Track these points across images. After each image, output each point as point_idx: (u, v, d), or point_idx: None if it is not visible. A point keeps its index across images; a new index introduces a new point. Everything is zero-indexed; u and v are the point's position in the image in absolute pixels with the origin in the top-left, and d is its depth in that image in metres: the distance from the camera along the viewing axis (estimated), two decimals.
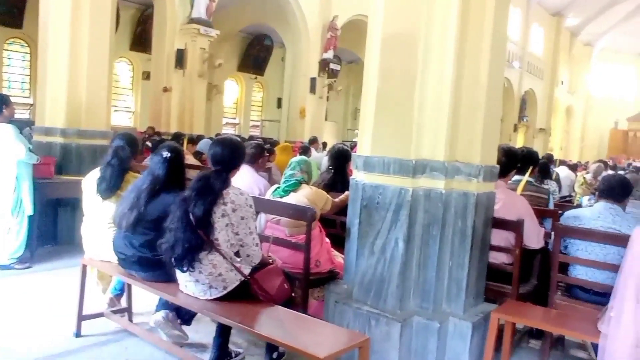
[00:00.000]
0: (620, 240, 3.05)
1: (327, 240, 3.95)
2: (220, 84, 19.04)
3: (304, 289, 3.55)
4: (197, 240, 2.68)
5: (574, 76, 33.76)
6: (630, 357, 2.48)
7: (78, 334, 3.36)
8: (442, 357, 3.13)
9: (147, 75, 16.19)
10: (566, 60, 32.46)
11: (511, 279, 3.55)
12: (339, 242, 3.96)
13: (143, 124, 15.20)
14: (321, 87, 17.41)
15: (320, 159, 8.63)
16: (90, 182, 3.48)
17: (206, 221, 2.67)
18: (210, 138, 11.48)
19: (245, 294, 2.81)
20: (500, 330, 3.13)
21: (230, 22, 16.37)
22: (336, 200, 4.00)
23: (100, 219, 3.39)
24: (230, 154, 2.87)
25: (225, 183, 2.77)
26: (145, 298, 3.59)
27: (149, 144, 8.15)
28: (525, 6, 27.29)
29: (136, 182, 3.20)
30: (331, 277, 3.74)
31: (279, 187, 3.85)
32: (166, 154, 3.09)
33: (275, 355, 3.14)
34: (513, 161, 3.95)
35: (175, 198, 2.86)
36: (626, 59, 35.99)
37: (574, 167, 12.29)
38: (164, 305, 3.24)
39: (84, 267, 3.36)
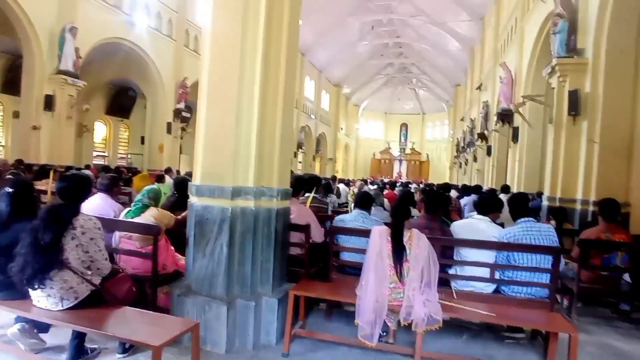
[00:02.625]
0: (367, 233, 3.30)
1: (172, 247, 3.66)
2: (90, 124, 16.70)
3: (153, 288, 3.24)
4: (46, 261, 2.24)
5: (348, 125, 36.97)
6: (373, 309, 2.72)
7: None
8: (259, 326, 3.10)
9: (17, 115, 13.40)
10: (344, 114, 35.46)
11: (304, 264, 3.68)
12: (184, 248, 3.69)
13: (13, 156, 12.56)
14: (176, 129, 16.37)
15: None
16: None
17: (55, 245, 2.25)
18: (79, 168, 9.98)
19: (98, 300, 2.44)
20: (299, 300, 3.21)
21: (97, 75, 14.46)
22: (179, 217, 3.74)
23: None
24: (76, 188, 2.44)
25: (74, 212, 2.36)
26: (4, 313, 2.90)
27: (10, 176, 6.67)
28: (318, 79, 29.28)
29: None
30: (176, 276, 3.47)
31: (130, 210, 3.46)
32: (9, 189, 2.53)
33: (127, 345, 2.78)
34: (301, 184, 4.14)
35: (25, 226, 2.35)
36: (377, 116, 40.77)
37: (348, 183, 13.35)
38: (21, 317, 2.66)
39: None
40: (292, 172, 3.70)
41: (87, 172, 7.26)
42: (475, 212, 3.79)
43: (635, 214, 6.31)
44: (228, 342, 2.93)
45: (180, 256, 3.66)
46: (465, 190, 8.54)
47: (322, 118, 30.39)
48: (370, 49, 29.25)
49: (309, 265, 3.68)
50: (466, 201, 7.40)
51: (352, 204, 8.00)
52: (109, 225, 3.37)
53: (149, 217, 3.36)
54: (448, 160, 33.28)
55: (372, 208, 3.96)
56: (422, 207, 3.78)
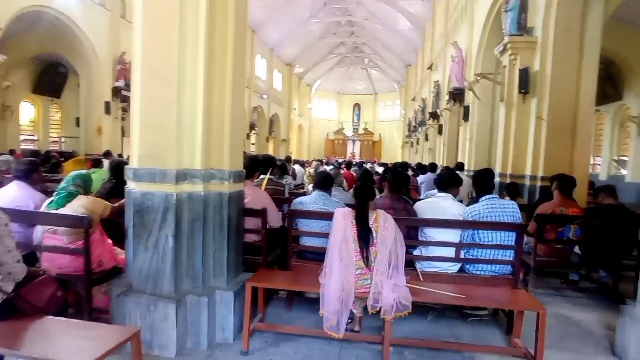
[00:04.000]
0: (329, 216, 3.09)
1: (110, 240, 3.24)
2: (14, 104, 14.93)
3: (87, 289, 2.82)
4: None
5: (301, 105, 36.47)
6: (338, 297, 2.52)
7: None
8: (214, 323, 2.82)
9: None
10: (296, 94, 34.85)
11: (261, 252, 3.43)
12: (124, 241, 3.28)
13: None
14: (115, 109, 15.10)
15: None
16: None
17: None
18: (1, 154, 8.89)
19: (11, 311, 2.02)
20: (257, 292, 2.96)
21: (19, 48, 12.90)
22: (115, 205, 3.29)
23: None
24: None
25: None
26: None
27: None
28: (269, 57, 28.37)
29: None
30: (115, 272, 3.06)
31: (53, 200, 2.97)
32: None
33: None
34: (256, 165, 3.82)
35: None
36: (330, 96, 40.59)
37: (303, 164, 13.11)
38: None
39: None
40: (244, 152, 3.38)
41: (8, 157, 6.42)
42: (436, 190, 3.69)
43: (577, 189, 6.62)
44: (179, 343, 2.63)
45: (120, 250, 3.25)
46: (420, 169, 8.60)
47: (275, 98, 29.65)
48: (322, 27, 28.74)
49: (266, 252, 3.43)
50: (423, 179, 7.41)
51: (309, 185, 7.82)
52: (28, 218, 2.90)
53: (77, 207, 2.89)
54: (400, 140, 33.95)
55: (332, 189, 3.73)
56: (386, 186, 3.62)
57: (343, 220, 2.62)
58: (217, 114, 2.81)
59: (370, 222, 2.62)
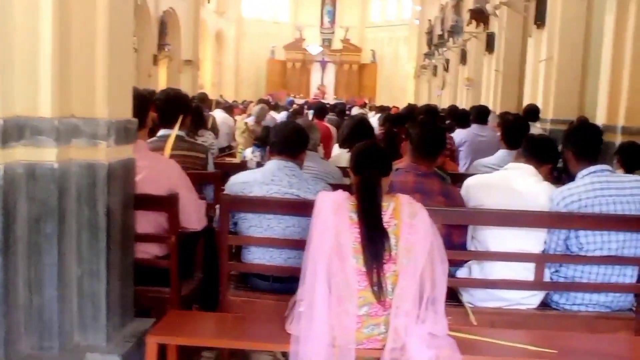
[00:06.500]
0: (301, 208, 3.22)
1: None
2: None
3: None
4: None
5: None
6: (325, 359, 2.61)
7: None
8: None
9: None
10: None
11: (169, 278, 3.50)
12: None
13: None
14: None
15: None
16: None
17: None
18: None
19: None
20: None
21: None
22: None
23: None
24: None
25: None
26: None
27: None
28: None
29: None
30: None
31: None
32: None
33: None
34: (145, 107, 3.81)
35: None
36: None
37: (230, 109, 13.08)
38: None
39: None
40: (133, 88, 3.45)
41: None
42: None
43: None
44: None
45: None
46: (457, 118, 8.70)
47: None
48: None
49: (179, 278, 3.52)
50: (462, 137, 7.47)
51: (247, 150, 7.87)
52: None
53: None
54: (412, 63, 34.47)
55: (304, 156, 3.82)
56: (408, 150, 3.74)
57: (334, 215, 2.69)
58: (81, 13, 2.81)
59: (386, 217, 2.71)
